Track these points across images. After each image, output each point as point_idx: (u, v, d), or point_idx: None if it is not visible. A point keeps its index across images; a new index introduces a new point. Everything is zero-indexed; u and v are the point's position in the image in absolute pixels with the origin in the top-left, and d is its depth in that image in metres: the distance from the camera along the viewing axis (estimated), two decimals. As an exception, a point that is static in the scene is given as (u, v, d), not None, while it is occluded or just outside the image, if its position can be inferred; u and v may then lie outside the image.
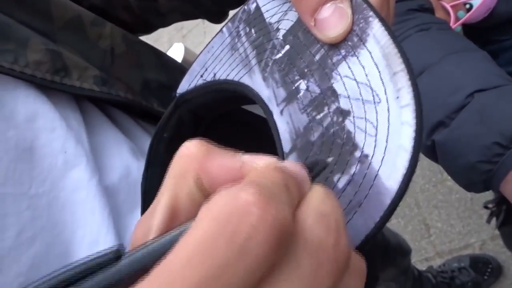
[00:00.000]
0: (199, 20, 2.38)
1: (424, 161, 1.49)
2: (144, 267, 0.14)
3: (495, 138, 0.41)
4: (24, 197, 0.28)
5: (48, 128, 0.31)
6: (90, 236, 0.30)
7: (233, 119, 0.35)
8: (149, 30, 0.48)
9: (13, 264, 0.27)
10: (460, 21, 0.64)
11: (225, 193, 0.13)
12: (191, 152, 0.16)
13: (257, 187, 0.13)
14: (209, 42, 0.30)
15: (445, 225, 1.34)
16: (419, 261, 1.32)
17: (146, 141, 0.40)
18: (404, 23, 0.51)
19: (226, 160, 0.16)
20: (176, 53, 1.34)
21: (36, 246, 0.28)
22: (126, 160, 0.36)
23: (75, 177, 0.31)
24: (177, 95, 0.31)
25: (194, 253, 0.12)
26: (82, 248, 0.30)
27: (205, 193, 0.16)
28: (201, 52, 0.31)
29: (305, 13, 0.22)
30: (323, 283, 0.13)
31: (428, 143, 0.46)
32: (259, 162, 0.15)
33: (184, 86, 0.31)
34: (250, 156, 0.16)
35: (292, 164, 0.16)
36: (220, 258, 0.12)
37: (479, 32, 0.65)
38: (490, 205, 0.93)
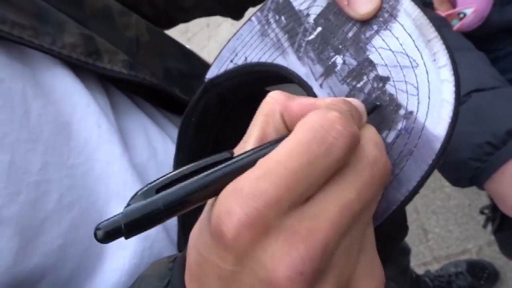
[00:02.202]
0: (204, 24, 2.41)
1: (423, 166, 1.51)
2: (252, 163, 0.18)
3: (488, 138, 0.43)
4: (63, 166, 0.31)
5: (83, 104, 0.33)
6: (122, 206, 0.32)
7: (255, 102, 0.36)
8: (171, 25, 0.50)
9: (55, 225, 0.30)
10: (454, 29, 0.66)
11: (315, 113, 0.18)
12: (276, 97, 0.20)
13: (337, 110, 0.18)
14: (237, 31, 0.32)
15: (443, 230, 1.35)
16: (417, 265, 1.33)
17: (167, 126, 0.42)
18: None
19: (302, 100, 0.20)
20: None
21: (74, 212, 0.31)
22: (152, 141, 0.38)
23: (109, 151, 0.33)
24: (206, 80, 0.33)
25: (293, 149, 0.17)
26: (114, 214, 0.32)
27: (287, 126, 0.20)
28: (229, 40, 0.32)
29: None
30: (373, 187, 0.18)
31: None
32: (328, 99, 0.20)
33: (214, 71, 0.33)
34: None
35: (355, 100, 0.21)
36: (312, 154, 0.17)
37: (474, 41, 0.67)
38: (486, 211, 0.95)
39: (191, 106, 0.33)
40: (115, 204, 0.33)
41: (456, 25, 0.66)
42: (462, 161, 0.45)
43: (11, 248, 0.28)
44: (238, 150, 0.20)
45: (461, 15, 0.69)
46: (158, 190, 0.17)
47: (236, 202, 0.16)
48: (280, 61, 0.29)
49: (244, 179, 0.17)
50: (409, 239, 1.36)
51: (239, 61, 0.31)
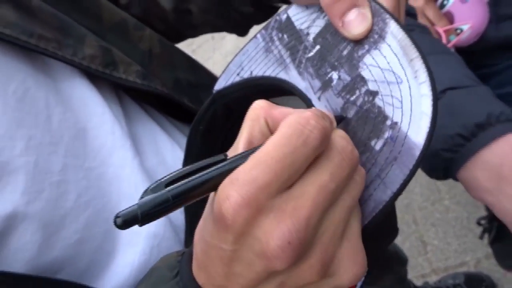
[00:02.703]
0: (209, 36, 2.46)
1: (423, 180, 1.52)
2: (243, 162, 0.21)
3: (459, 129, 0.46)
4: (80, 168, 0.34)
5: (99, 112, 0.36)
6: (131, 203, 0.35)
7: None
8: (180, 39, 0.53)
9: (73, 222, 0.32)
10: (450, 44, 0.69)
11: (293, 114, 0.22)
12: (261, 105, 0.24)
13: (312, 112, 0.22)
14: (243, 47, 0.35)
15: (441, 242, 1.36)
16: (415, 277, 1.34)
17: (175, 134, 0.44)
18: None
19: (283, 108, 0.23)
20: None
21: (89, 210, 0.33)
22: (161, 147, 0.41)
23: (121, 156, 0.36)
24: (214, 91, 0.35)
25: (278, 142, 0.20)
26: None
27: (270, 130, 0.23)
28: (236, 55, 0.35)
29: (335, 16, 0.28)
30: (344, 170, 0.22)
31: None
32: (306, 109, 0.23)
33: (221, 83, 0.35)
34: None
35: (325, 110, 0.25)
36: (293, 145, 0.20)
37: (471, 56, 0.70)
38: (482, 222, 0.97)
39: (199, 115, 0.35)
40: (126, 205, 0.35)
41: (453, 40, 0.69)
42: (435, 152, 0.48)
43: (35, 241, 0.30)
44: (231, 151, 0.23)
45: (458, 31, 0.72)
46: (166, 186, 0.20)
47: (233, 188, 0.20)
48: (282, 75, 0.31)
49: (239, 171, 0.20)
50: (408, 251, 1.37)
51: (245, 74, 0.34)
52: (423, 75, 0.24)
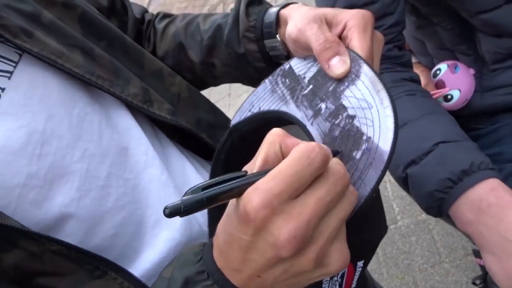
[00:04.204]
0: (226, 93, 2.61)
1: (424, 242, 1.55)
2: (258, 178, 0.27)
3: (448, 175, 0.56)
4: (120, 178, 0.42)
5: (137, 136, 0.45)
6: (156, 215, 0.44)
7: None
8: (203, 87, 0.63)
9: (110, 219, 0.41)
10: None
11: (303, 143, 0.28)
12: (278, 132, 0.30)
13: (316, 143, 0.28)
14: (254, 90, 0.43)
15: (440, 305, 1.36)
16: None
17: (194, 162, 0.52)
18: (397, 87, 0.67)
19: (294, 138, 0.30)
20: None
21: (124, 212, 0.42)
22: (187, 170, 0.50)
23: (151, 172, 0.44)
24: (231, 126, 0.43)
25: (290, 162, 0.27)
26: (150, 221, 0.43)
27: (282, 153, 0.29)
28: (248, 96, 0.43)
29: (323, 61, 0.37)
30: (337, 187, 0.28)
31: (403, 175, 0.61)
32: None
33: (236, 119, 0.43)
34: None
35: (325, 146, 0.31)
36: (301, 165, 0.27)
37: (460, 120, 0.79)
38: (477, 281, 0.99)
39: (220, 146, 0.43)
40: (151, 212, 0.43)
41: (440, 103, 0.78)
42: (430, 193, 0.57)
43: (83, 228, 0.39)
44: (249, 166, 0.30)
45: (449, 96, 0.81)
46: (202, 189, 0.27)
47: (255, 195, 0.26)
48: (284, 108, 0.40)
49: (259, 182, 0.27)
50: (407, 312, 1.37)
51: (255, 110, 0.42)
52: (387, 101, 0.33)
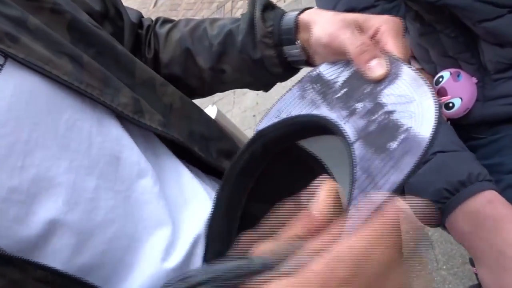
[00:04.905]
0: (231, 91, 2.61)
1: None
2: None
3: (445, 185, 0.55)
4: (110, 190, 0.40)
5: (129, 146, 0.43)
6: (149, 228, 0.42)
7: (290, 156, 0.43)
8: (210, 93, 0.62)
9: (101, 234, 0.38)
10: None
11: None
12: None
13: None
14: (280, 98, 0.42)
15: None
16: None
17: (190, 174, 0.50)
18: None
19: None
20: (209, 114, 1.52)
21: (115, 226, 0.39)
22: (184, 182, 0.47)
23: (143, 184, 0.42)
24: (255, 132, 0.40)
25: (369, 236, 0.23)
26: (144, 234, 0.41)
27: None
28: (274, 104, 0.42)
29: (362, 64, 0.38)
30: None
31: None
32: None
33: (262, 125, 0.41)
34: None
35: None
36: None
37: (460, 129, 0.78)
38: (472, 292, 0.99)
39: (239, 153, 0.41)
40: (144, 226, 0.41)
41: (442, 111, 0.78)
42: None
43: (70, 245, 0.36)
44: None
45: (450, 104, 0.81)
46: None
47: None
48: (315, 112, 0.39)
49: None
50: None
51: (284, 116, 0.41)
52: (429, 93, 0.33)
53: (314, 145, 0.41)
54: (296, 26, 0.49)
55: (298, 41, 0.49)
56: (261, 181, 0.42)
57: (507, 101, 0.76)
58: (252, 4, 0.53)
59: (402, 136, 0.32)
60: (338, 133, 0.36)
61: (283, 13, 0.51)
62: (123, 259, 0.40)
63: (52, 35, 0.40)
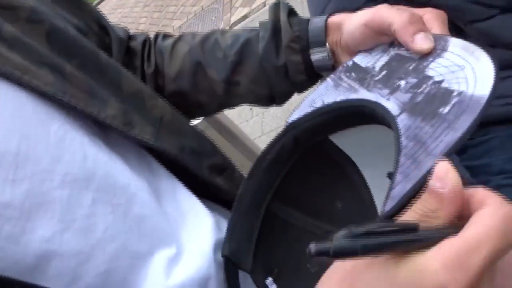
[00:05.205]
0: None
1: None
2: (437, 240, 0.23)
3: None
4: (108, 204, 0.38)
5: (122, 160, 0.41)
6: (153, 244, 0.40)
7: (320, 152, 0.42)
8: (216, 110, 0.60)
9: (100, 252, 0.36)
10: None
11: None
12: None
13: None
14: (315, 88, 0.41)
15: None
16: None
17: (182, 187, 0.48)
18: None
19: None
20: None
21: (115, 243, 0.37)
22: (179, 196, 0.46)
23: (142, 197, 0.41)
24: (287, 123, 0.39)
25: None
26: (147, 251, 0.39)
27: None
28: (308, 95, 0.41)
29: (407, 36, 0.37)
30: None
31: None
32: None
33: (294, 116, 0.40)
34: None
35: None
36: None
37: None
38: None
39: (268, 146, 0.39)
40: (145, 243, 0.40)
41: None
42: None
43: (69, 267, 0.34)
44: (420, 203, 0.24)
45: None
46: (357, 236, 0.23)
47: (450, 274, 0.21)
48: (352, 96, 0.37)
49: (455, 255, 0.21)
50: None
51: (318, 105, 0.39)
52: (484, 56, 0.31)
53: (347, 141, 0.40)
54: (326, 28, 0.49)
55: (327, 44, 0.48)
56: (287, 180, 0.41)
57: (497, 102, 0.76)
58: (275, 11, 0.52)
59: (454, 100, 0.30)
60: (377, 111, 0.34)
61: (308, 19, 0.51)
62: (127, 278, 0.37)
63: (30, 45, 0.39)
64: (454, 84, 0.31)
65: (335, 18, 0.48)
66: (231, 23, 3.92)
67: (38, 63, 0.38)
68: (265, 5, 3.65)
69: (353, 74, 0.39)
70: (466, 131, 0.27)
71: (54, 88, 0.38)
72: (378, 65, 0.38)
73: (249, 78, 0.54)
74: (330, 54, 0.49)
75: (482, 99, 0.28)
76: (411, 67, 0.35)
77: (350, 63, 0.41)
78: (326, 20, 0.49)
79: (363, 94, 0.36)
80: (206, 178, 0.47)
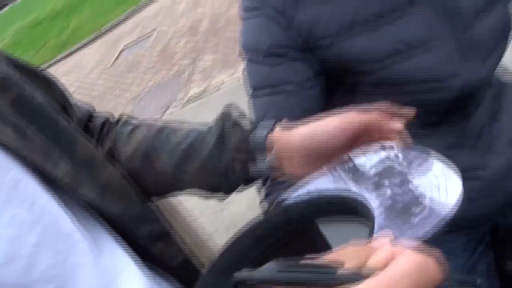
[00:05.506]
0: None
1: None
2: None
3: None
4: (51, 249, 0.42)
5: (68, 213, 0.46)
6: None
7: (305, 236, 0.43)
8: (165, 193, 0.62)
9: None
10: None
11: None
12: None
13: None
14: (313, 179, 0.48)
15: None
16: None
17: (120, 248, 0.52)
18: None
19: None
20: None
21: (53, 284, 0.41)
22: (117, 254, 0.51)
23: (81, 248, 0.45)
24: (281, 202, 0.44)
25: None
26: None
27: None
28: (306, 184, 0.48)
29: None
30: None
31: None
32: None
33: (289, 194, 0.46)
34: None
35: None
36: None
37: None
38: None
39: (261, 220, 0.41)
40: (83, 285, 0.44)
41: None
42: None
43: None
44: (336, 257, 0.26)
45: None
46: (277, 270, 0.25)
47: None
48: (341, 187, 0.45)
49: None
50: None
51: (312, 189, 0.46)
52: (457, 180, 0.41)
53: (339, 228, 0.42)
54: (266, 144, 0.51)
55: (267, 159, 0.51)
56: (276, 251, 0.42)
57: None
58: (222, 119, 0.56)
59: (425, 207, 0.38)
60: (362, 208, 0.38)
61: (253, 127, 0.54)
62: None
63: None
64: (428, 190, 0.40)
65: (279, 133, 0.51)
66: (184, 101, 4.11)
67: (4, 122, 0.45)
68: (219, 89, 3.91)
69: (351, 174, 0.47)
70: (428, 231, 0.36)
71: (16, 144, 0.44)
72: (373, 171, 0.47)
73: (194, 173, 0.57)
74: (271, 166, 0.51)
75: (444, 210, 0.37)
76: (398, 181, 0.44)
77: (350, 164, 0.48)
78: (268, 134, 0.51)
79: (352, 188, 0.44)
80: (144, 241, 0.53)
